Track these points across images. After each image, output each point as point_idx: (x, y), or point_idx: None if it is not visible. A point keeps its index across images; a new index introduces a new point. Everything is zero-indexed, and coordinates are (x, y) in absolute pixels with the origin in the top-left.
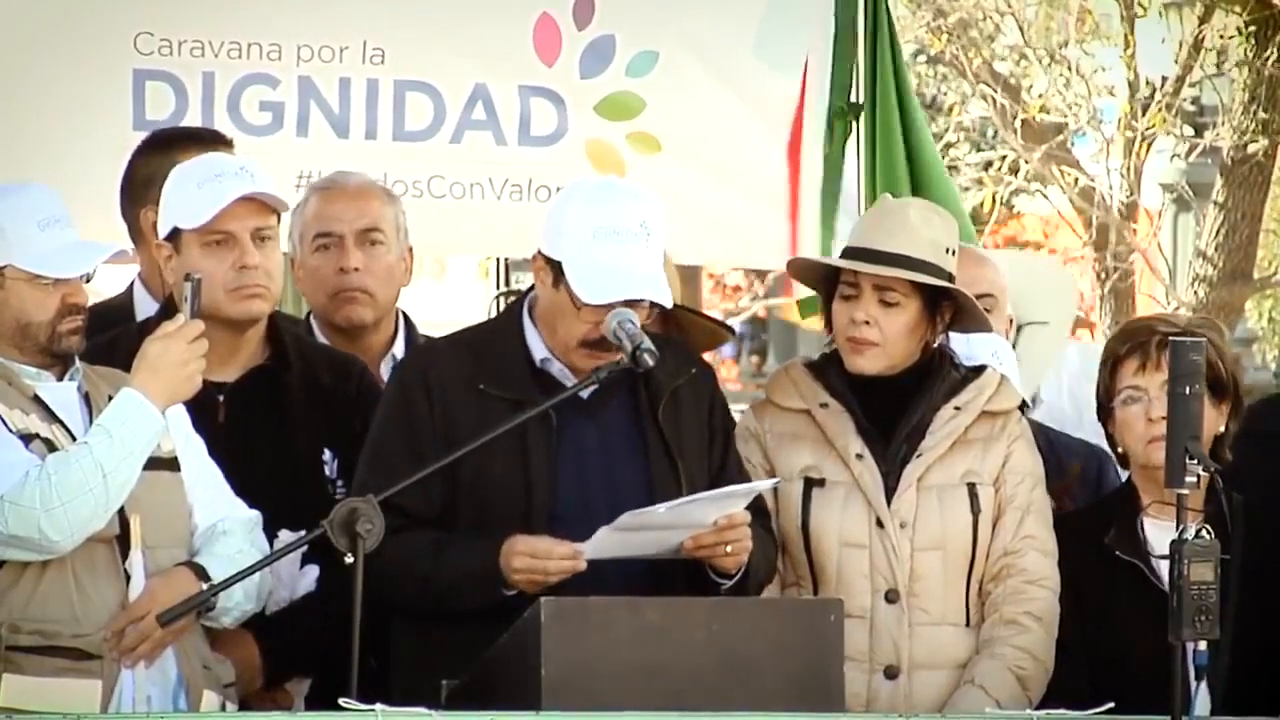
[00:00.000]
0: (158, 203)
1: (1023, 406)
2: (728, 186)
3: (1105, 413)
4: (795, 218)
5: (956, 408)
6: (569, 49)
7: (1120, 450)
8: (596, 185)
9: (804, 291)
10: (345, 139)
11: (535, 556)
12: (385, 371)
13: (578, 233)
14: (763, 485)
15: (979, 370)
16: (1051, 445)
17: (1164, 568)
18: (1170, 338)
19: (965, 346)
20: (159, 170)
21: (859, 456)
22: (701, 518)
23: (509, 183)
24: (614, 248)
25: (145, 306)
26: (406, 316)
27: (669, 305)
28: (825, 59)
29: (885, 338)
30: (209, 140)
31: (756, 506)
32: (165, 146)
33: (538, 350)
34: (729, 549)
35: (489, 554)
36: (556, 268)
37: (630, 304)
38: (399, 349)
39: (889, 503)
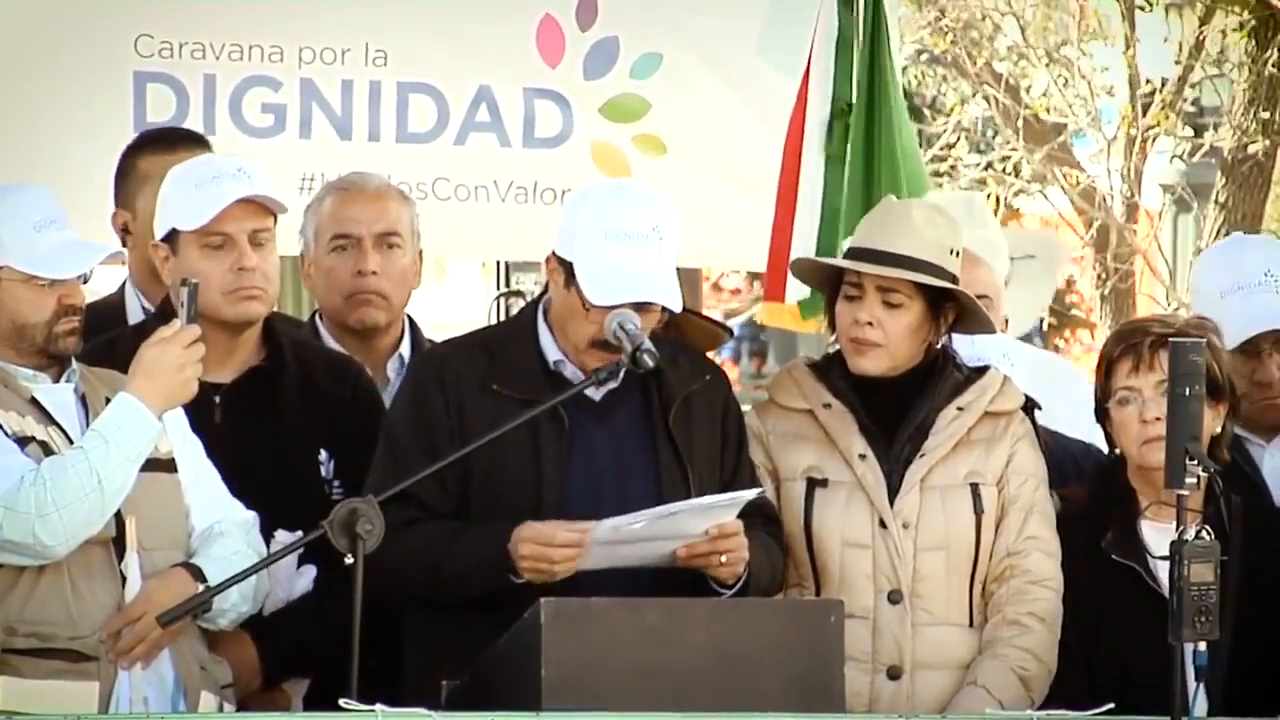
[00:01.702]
0: (125, 205)
1: (1028, 408)
2: (732, 188)
3: (1102, 414)
4: (791, 216)
5: (959, 408)
6: (572, 51)
7: (1118, 451)
8: (611, 188)
9: (795, 294)
10: (348, 141)
11: (540, 543)
12: (391, 372)
13: (589, 234)
14: (745, 496)
15: (982, 371)
16: (1052, 450)
17: (1162, 570)
18: (1170, 339)
19: (975, 347)
20: (124, 170)
21: (862, 457)
22: (690, 528)
23: (514, 185)
24: (624, 250)
25: (134, 305)
26: (412, 319)
27: (678, 309)
28: (828, 59)
29: (888, 339)
30: (181, 139)
31: (766, 514)
32: (134, 147)
33: (551, 352)
34: (723, 559)
35: (499, 541)
36: (568, 268)
37: (641, 309)
38: (405, 350)
39: (892, 503)
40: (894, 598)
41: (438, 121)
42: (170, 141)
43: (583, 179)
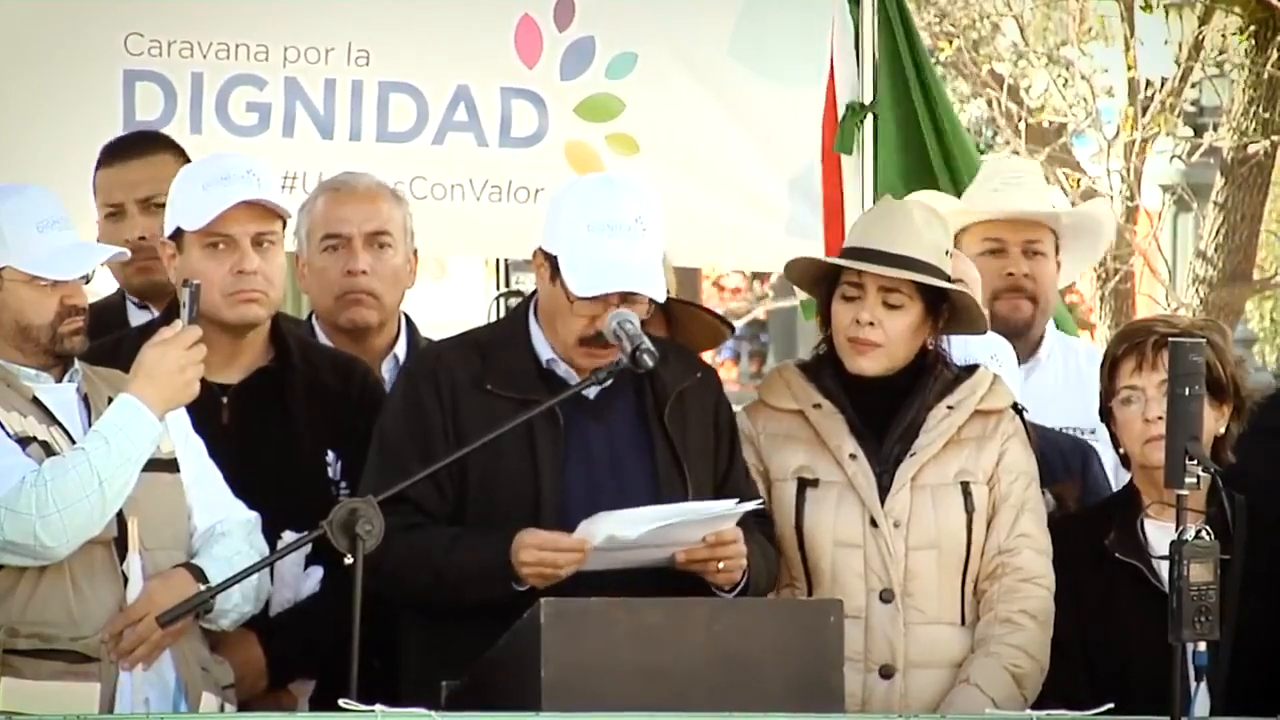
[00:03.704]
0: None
1: (1017, 408)
2: (704, 188)
3: (1106, 414)
4: (841, 218)
5: (950, 407)
6: (550, 50)
7: (1122, 451)
8: (595, 180)
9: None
10: (330, 140)
11: (543, 549)
12: (386, 371)
13: (573, 227)
14: (745, 507)
15: (971, 369)
16: (1041, 447)
17: (1164, 569)
18: (1170, 338)
19: (964, 347)
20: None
21: (852, 456)
22: (688, 537)
23: (488, 184)
24: (607, 241)
25: (132, 305)
26: (408, 318)
27: (661, 299)
28: (849, 61)
29: (888, 339)
30: (130, 146)
31: (759, 512)
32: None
33: (543, 351)
34: (721, 565)
35: (500, 548)
36: (554, 262)
37: (628, 301)
38: (400, 349)
39: (883, 502)
40: (886, 597)
41: (417, 121)
42: (115, 151)
43: (556, 178)
